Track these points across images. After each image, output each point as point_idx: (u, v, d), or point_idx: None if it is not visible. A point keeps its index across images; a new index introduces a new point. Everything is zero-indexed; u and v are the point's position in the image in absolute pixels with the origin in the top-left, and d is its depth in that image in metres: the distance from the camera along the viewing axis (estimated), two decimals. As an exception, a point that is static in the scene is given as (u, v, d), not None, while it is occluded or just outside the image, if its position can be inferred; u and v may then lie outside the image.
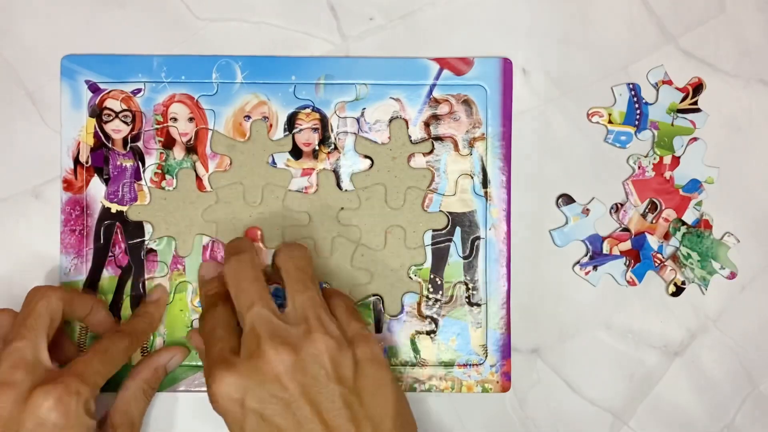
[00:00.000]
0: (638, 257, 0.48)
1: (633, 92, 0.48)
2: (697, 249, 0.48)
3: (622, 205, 0.48)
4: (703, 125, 0.48)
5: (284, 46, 0.48)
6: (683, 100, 0.48)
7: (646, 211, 0.48)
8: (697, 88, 0.48)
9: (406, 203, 0.48)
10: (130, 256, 0.47)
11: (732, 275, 0.48)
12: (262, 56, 0.48)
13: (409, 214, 0.48)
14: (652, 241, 0.48)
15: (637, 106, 0.48)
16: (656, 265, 0.48)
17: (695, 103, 0.48)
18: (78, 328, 0.47)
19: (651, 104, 0.48)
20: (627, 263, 0.48)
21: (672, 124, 0.48)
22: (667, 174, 0.48)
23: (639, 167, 0.48)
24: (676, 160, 0.48)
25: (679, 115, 0.48)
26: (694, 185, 0.48)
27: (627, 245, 0.48)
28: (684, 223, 0.48)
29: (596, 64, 0.48)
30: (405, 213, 0.48)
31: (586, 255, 0.48)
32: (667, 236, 0.48)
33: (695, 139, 0.48)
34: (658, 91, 0.48)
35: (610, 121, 0.48)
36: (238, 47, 0.48)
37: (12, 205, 0.48)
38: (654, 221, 0.48)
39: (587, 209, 0.48)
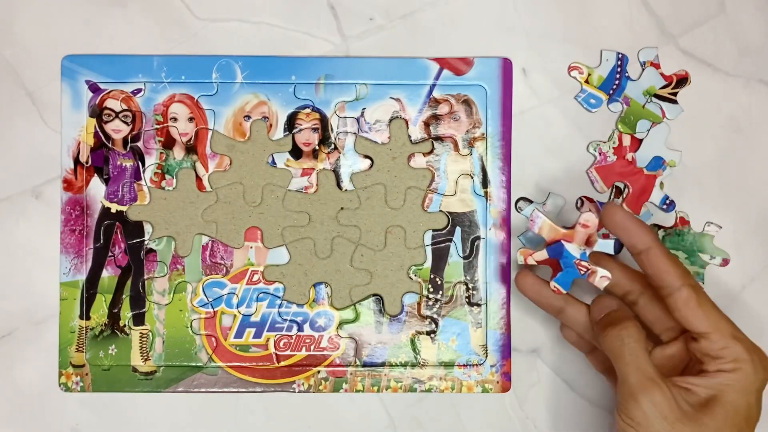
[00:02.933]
0: (558, 269, 0.43)
1: (619, 62, 0.48)
2: (681, 248, 0.48)
3: (588, 198, 0.48)
4: (674, 117, 0.48)
5: (284, 46, 0.48)
6: (665, 87, 0.48)
7: (612, 197, 0.48)
8: (682, 80, 0.48)
9: (406, 203, 0.48)
10: (130, 256, 0.47)
11: (725, 262, 0.48)
12: (262, 56, 0.48)
13: (409, 214, 0.48)
14: (572, 248, 0.43)
15: (618, 76, 0.48)
16: (583, 273, 0.43)
17: (675, 94, 0.48)
18: (78, 327, 0.47)
19: (633, 80, 0.48)
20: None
21: (643, 106, 0.48)
22: (629, 156, 0.48)
23: (600, 153, 0.48)
24: (636, 142, 0.48)
25: (654, 99, 0.48)
26: (657, 162, 0.48)
27: (541, 256, 0.44)
28: (660, 227, 0.48)
29: (596, 64, 0.48)
30: (405, 213, 0.48)
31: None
32: (589, 242, 0.43)
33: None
34: (643, 70, 0.48)
35: (587, 81, 0.48)
36: (238, 47, 0.48)
37: (12, 205, 0.48)
38: (571, 228, 0.44)
39: (544, 205, 0.48)
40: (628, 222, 0.41)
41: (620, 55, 0.48)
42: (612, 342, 0.41)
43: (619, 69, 0.48)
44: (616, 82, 0.48)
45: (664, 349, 0.43)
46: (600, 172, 0.48)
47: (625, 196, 0.48)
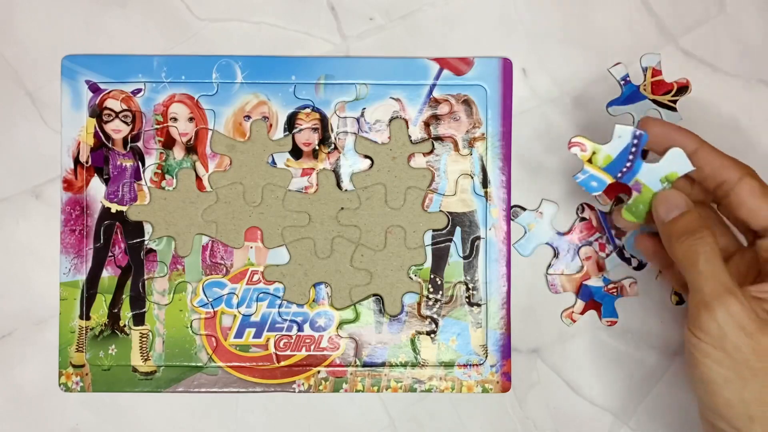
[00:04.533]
0: (598, 305, 0.48)
1: (635, 140, 0.40)
2: None
3: (588, 206, 0.48)
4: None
5: (284, 46, 0.48)
6: (665, 94, 0.48)
7: (613, 209, 0.47)
8: (683, 88, 0.48)
9: (406, 203, 0.48)
10: (130, 256, 0.47)
11: None
12: (262, 56, 0.48)
13: (409, 214, 0.48)
14: (594, 282, 0.48)
15: (631, 157, 0.40)
16: (616, 294, 0.48)
17: (675, 102, 0.48)
18: (78, 327, 0.47)
19: (636, 86, 0.48)
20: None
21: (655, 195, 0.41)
22: None
23: None
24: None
25: (655, 106, 0.48)
26: None
27: (580, 306, 0.48)
28: None
29: (596, 64, 0.48)
30: (405, 213, 0.48)
31: (554, 256, 0.48)
32: (600, 268, 0.48)
33: None
34: (645, 76, 0.48)
35: (590, 160, 0.41)
36: (238, 47, 0.48)
37: (12, 205, 0.48)
38: (581, 269, 0.48)
39: (540, 212, 0.48)
40: (669, 130, 0.40)
41: (637, 133, 0.40)
42: (685, 251, 0.37)
43: (634, 149, 0.40)
44: (628, 164, 0.41)
45: (744, 253, 0.40)
46: None
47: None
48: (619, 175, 0.41)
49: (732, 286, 0.36)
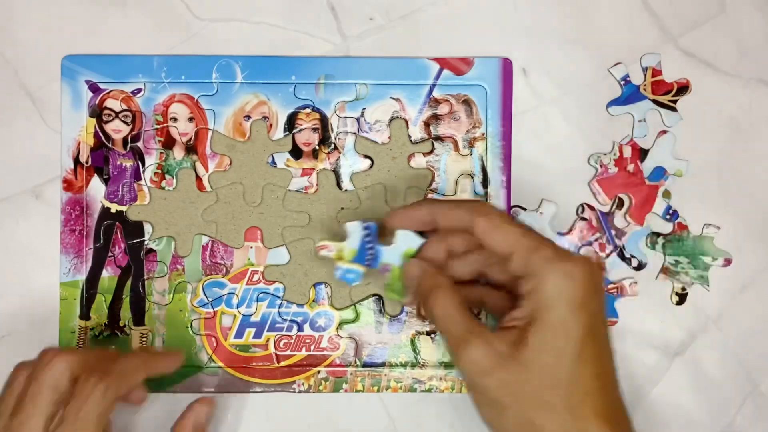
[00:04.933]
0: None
1: (366, 231, 0.43)
2: (682, 253, 0.48)
3: (588, 206, 0.48)
4: (673, 125, 0.48)
5: (284, 46, 0.48)
6: (665, 94, 0.48)
7: (613, 209, 0.48)
8: (683, 88, 0.48)
9: (407, 203, 0.48)
10: (130, 256, 0.47)
11: (727, 262, 0.48)
12: (262, 56, 0.48)
13: (409, 214, 0.48)
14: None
15: (370, 245, 0.43)
16: (616, 294, 0.48)
17: (675, 102, 0.48)
18: (78, 327, 0.47)
19: (636, 86, 0.48)
20: None
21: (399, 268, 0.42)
22: (630, 167, 0.48)
23: (601, 165, 0.48)
24: (638, 153, 0.48)
25: (655, 106, 0.48)
26: (659, 173, 0.48)
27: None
28: (659, 234, 0.48)
29: (596, 64, 0.48)
30: (405, 213, 0.48)
31: None
32: (600, 268, 0.48)
33: (664, 132, 0.48)
34: (645, 76, 0.48)
35: (340, 258, 0.43)
36: (238, 47, 0.48)
37: (12, 205, 0.48)
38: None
39: (540, 212, 0.48)
40: (403, 212, 0.42)
41: (365, 225, 0.43)
42: (428, 309, 0.39)
43: (369, 238, 0.43)
44: (370, 252, 0.43)
45: (504, 287, 0.41)
46: (602, 184, 0.48)
47: (627, 207, 0.48)
48: (367, 263, 0.43)
49: (466, 332, 0.37)
